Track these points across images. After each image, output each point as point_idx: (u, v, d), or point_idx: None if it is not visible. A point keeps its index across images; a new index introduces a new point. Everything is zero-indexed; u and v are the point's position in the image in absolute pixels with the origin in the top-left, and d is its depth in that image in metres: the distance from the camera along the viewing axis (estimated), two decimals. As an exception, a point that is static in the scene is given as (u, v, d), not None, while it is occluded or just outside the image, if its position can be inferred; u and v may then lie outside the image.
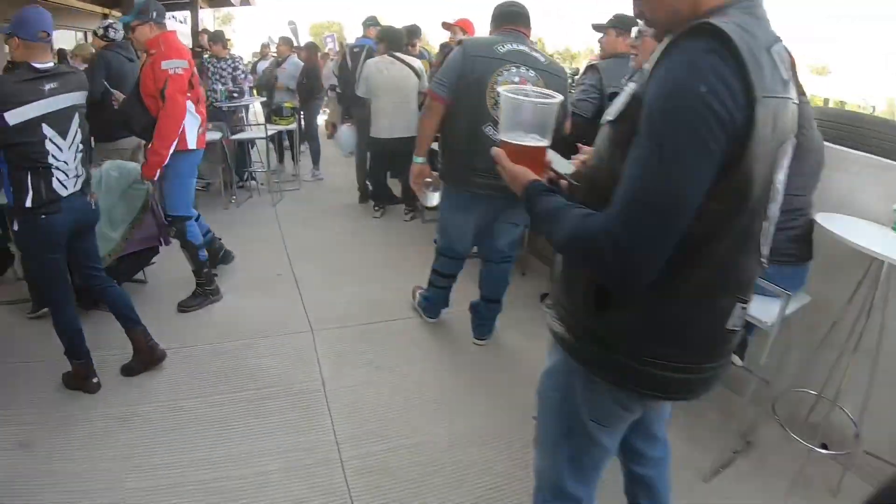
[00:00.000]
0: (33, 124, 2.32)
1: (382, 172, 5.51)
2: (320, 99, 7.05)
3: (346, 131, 5.86)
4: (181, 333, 3.26)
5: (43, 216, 2.42)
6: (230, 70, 6.20)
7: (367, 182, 5.77)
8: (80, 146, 2.57)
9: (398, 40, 5.05)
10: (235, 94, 6.10)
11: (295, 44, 7.88)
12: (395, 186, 5.69)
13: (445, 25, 5.01)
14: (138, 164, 3.51)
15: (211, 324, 3.41)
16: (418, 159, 2.98)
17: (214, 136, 5.32)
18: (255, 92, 7.17)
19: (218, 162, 5.64)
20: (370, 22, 5.66)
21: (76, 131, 2.53)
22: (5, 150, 2.34)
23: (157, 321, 3.15)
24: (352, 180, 6.75)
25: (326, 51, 9.10)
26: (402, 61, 4.96)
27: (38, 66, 2.36)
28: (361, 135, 5.69)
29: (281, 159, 7.24)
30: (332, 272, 4.20)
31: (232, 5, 13.59)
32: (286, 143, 7.06)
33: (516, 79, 2.66)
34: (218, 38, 6.31)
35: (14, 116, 2.26)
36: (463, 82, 2.70)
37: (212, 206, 5.75)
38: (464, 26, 4.96)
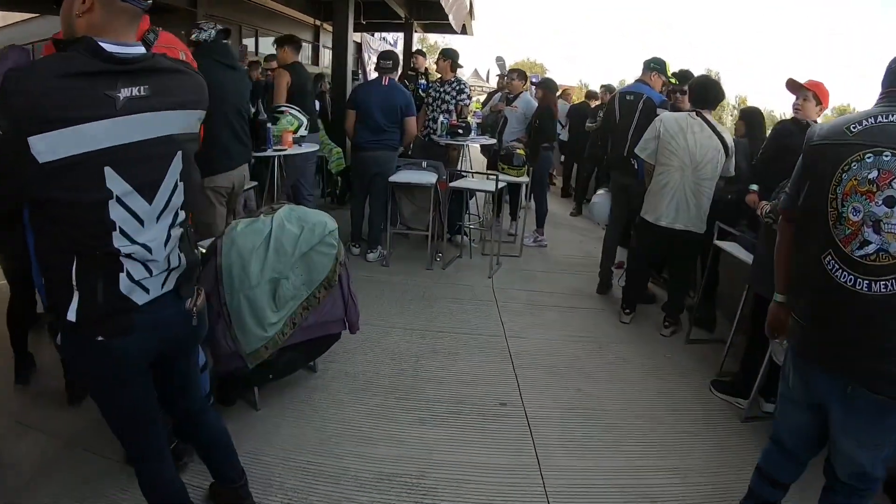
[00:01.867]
0: (88, 167, 1.22)
1: (644, 269, 4.07)
2: (552, 148, 5.78)
3: (603, 200, 4.55)
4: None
5: (101, 338, 1.33)
6: (454, 94, 5.24)
7: (614, 270, 4.37)
8: (180, 215, 1.45)
9: (712, 96, 3.61)
10: (461, 131, 5.06)
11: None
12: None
13: (792, 85, 3.28)
14: (326, 215, 2.61)
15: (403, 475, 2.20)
16: (778, 297, 1.94)
17: (429, 178, 4.37)
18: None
19: (426, 208, 4.61)
20: (655, 65, 4.26)
21: (174, 186, 1.41)
22: (31, 211, 1.30)
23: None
24: (583, 252, 5.46)
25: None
26: (713, 128, 3.52)
27: (111, 47, 1.23)
28: (618, 207, 4.32)
29: (497, 212, 6.08)
30: (578, 416, 2.83)
31: (451, 32, 13.09)
32: (506, 195, 5.90)
33: (873, 174, 1.49)
34: (450, 55, 5.34)
35: (49, 146, 1.14)
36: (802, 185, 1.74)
37: (412, 260, 4.75)
38: (818, 91, 3.21)
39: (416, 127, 4.77)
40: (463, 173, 5.01)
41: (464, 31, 12.59)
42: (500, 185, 4.64)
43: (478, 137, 5.48)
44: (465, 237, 5.22)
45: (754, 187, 3.61)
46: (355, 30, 10.63)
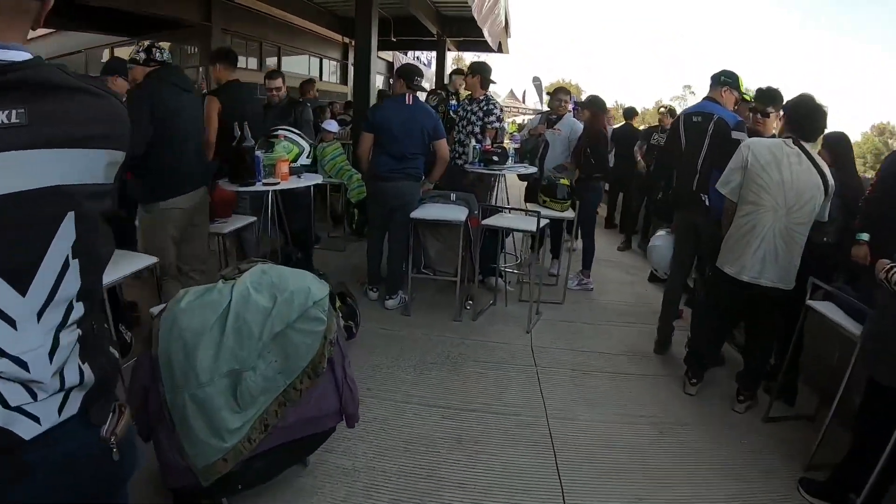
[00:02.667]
0: None
1: (715, 331, 3.31)
2: (604, 180, 5.03)
3: (665, 244, 3.82)
4: None
5: None
6: (480, 114, 4.62)
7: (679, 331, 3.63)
8: (76, 309, 0.90)
9: (817, 126, 2.88)
10: (496, 158, 4.39)
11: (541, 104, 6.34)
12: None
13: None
14: (310, 277, 2.03)
15: None
16: None
17: (458, 214, 3.76)
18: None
19: (455, 248, 3.95)
20: (727, 79, 3.51)
21: (63, 267, 0.86)
22: None
23: None
24: (634, 296, 4.72)
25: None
26: (813, 160, 2.79)
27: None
28: (683, 252, 3.59)
29: (537, 250, 5.36)
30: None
31: (486, 49, 12.54)
32: (548, 231, 5.17)
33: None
34: (480, 70, 4.70)
35: None
36: None
37: (438, 308, 4.08)
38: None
39: (447, 149, 4.14)
40: (498, 208, 4.32)
41: (499, 49, 12.01)
42: (542, 222, 3.95)
43: (516, 166, 4.77)
44: (499, 279, 4.51)
45: (864, 237, 2.87)
46: (386, 48, 10.20)
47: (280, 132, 3.19)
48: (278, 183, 3.00)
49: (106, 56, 8.90)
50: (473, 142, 4.54)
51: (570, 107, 5.35)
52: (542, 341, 3.78)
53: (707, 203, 3.37)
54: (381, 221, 4.10)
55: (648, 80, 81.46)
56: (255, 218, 3.49)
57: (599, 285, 5.00)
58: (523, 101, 25.81)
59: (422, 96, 4.66)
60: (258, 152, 2.86)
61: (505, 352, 3.57)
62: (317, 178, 3.48)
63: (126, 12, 7.09)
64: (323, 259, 5.40)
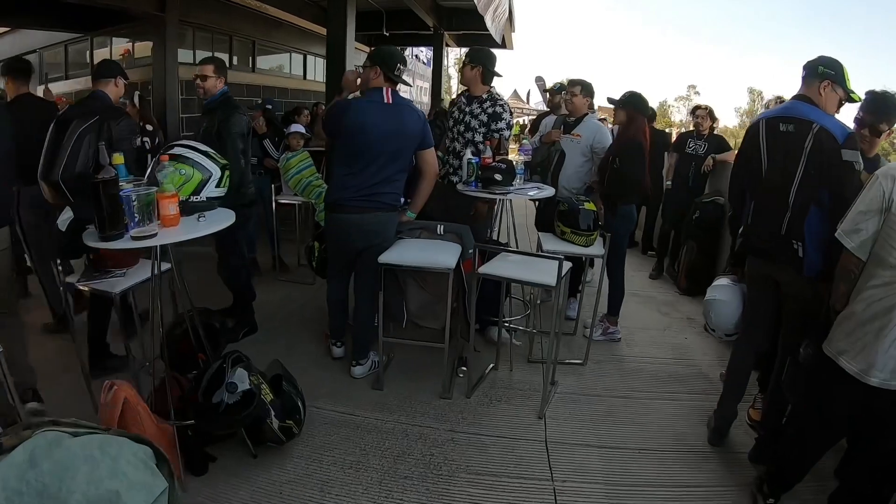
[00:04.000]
0: None
1: (818, 441, 2.26)
2: (632, 203, 3.88)
3: (731, 298, 2.79)
4: None
5: None
6: (484, 119, 3.57)
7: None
8: None
9: None
10: (499, 177, 3.33)
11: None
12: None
13: None
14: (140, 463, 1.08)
15: None
16: None
17: (447, 256, 2.77)
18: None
19: (443, 297, 2.91)
20: (827, 69, 2.43)
21: None
22: None
23: None
24: (672, 348, 3.89)
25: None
26: None
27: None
28: (759, 314, 2.58)
29: (555, 294, 4.27)
30: None
31: (490, 45, 11.47)
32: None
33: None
34: (481, 59, 3.60)
35: None
36: None
37: (420, 376, 3.07)
38: None
39: (436, 162, 3.09)
40: (501, 247, 3.24)
41: (503, 43, 10.96)
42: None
43: (526, 186, 3.62)
44: (502, 331, 3.46)
45: None
46: (379, 43, 9.20)
47: (176, 149, 2.13)
48: (154, 234, 1.84)
49: (62, 55, 7.93)
50: (469, 153, 3.49)
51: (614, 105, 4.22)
52: (561, 432, 2.74)
53: (801, 253, 2.34)
54: (343, 264, 3.07)
55: (650, 79, 79.72)
56: (169, 266, 2.46)
57: (627, 332, 3.96)
58: (527, 102, 24.71)
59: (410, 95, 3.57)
60: (129, 187, 1.80)
61: (510, 454, 2.54)
62: (226, 219, 2.23)
63: (76, 6, 6.14)
64: (285, 294, 4.38)
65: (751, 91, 54.41)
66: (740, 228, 2.63)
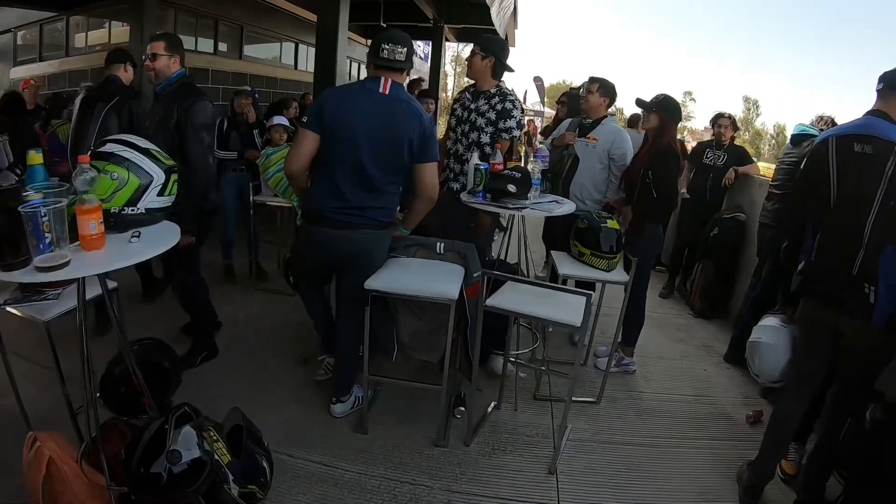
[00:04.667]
0: None
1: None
2: (659, 223, 3.33)
3: (779, 341, 2.40)
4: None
5: None
6: (493, 117, 3.14)
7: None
8: None
9: None
10: (512, 187, 2.87)
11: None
12: None
13: None
14: None
15: None
16: None
17: (447, 283, 2.36)
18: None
19: (440, 327, 2.46)
20: None
21: None
22: None
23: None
24: (691, 381, 3.53)
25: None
26: None
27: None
28: (812, 362, 2.18)
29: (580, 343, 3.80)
30: None
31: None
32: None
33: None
34: (491, 48, 3.14)
35: None
36: None
37: (411, 418, 2.64)
38: None
39: (437, 182, 2.53)
40: (512, 277, 2.73)
41: (505, 40, 10.52)
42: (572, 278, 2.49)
43: (544, 199, 3.08)
44: (506, 362, 3.02)
45: None
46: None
47: (109, 146, 1.67)
48: (66, 263, 1.34)
49: (36, 36, 7.38)
50: (475, 158, 3.06)
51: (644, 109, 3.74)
52: (576, 490, 2.32)
53: (872, 299, 1.93)
54: (321, 278, 2.63)
55: (646, 84, 79.26)
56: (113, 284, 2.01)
57: (642, 362, 3.55)
58: (524, 102, 24.29)
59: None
60: (38, 198, 1.33)
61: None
62: (168, 238, 1.71)
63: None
64: (261, 308, 3.93)
65: (746, 100, 54.43)
66: (799, 264, 2.22)
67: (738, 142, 4.99)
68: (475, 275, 2.45)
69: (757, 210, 4.42)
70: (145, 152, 1.74)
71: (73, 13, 6.63)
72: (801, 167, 2.31)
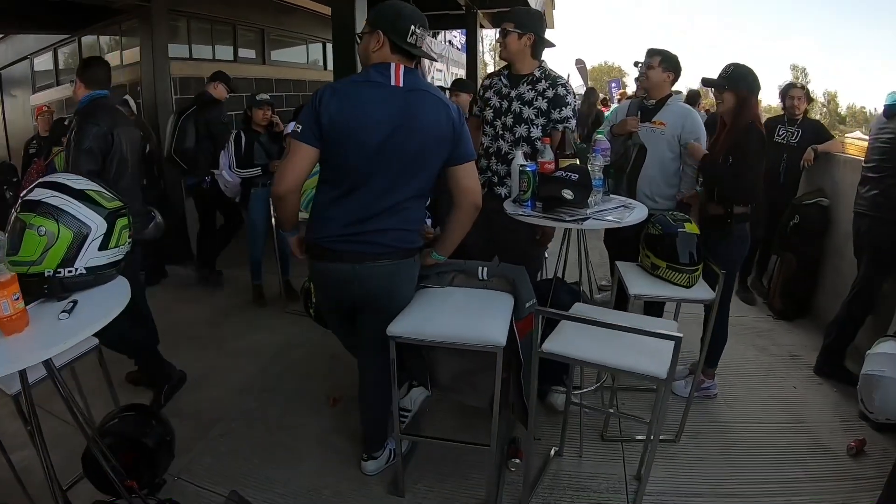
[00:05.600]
0: None
1: None
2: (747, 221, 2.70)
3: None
4: None
5: None
6: (541, 105, 2.66)
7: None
8: None
9: None
10: (568, 194, 2.32)
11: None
12: None
13: None
14: None
15: None
16: None
17: (489, 325, 1.99)
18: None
19: (485, 367, 2.00)
20: None
21: None
22: None
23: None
24: (785, 409, 2.96)
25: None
26: None
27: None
28: None
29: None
30: None
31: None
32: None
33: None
34: (528, 24, 2.63)
35: None
36: None
37: (458, 473, 2.24)
38: None
39: (479, 184, 2.05)
40: (574, 317, 2.28)
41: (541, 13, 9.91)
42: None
43: (609, 205, 2.44)
44: (568, 401, 2.54)
45: None
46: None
47: (36, 192, 1.27)
48: None
49: (51, 59, 7.26)
50: (519, 157, 2.58)
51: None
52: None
53: None
54: (343, 316, 2.17)
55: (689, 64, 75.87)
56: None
57: (722, 380, 3.01)
58: (567, 89, 23.45)
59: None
60: None
61: None
62: (112, 306, 1.30)
63: (58, 5, 5.47)
64: (289, 335, 3.57)
65: (794, 68, 51.69)
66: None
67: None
68: (528, 305, 1.99)
69: (841, 192, 3.82)
70: (80, 195, 1.34)
71: (84, 33, 6.44)
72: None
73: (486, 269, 2.11)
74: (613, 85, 7.94)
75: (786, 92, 4.26)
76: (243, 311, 4.03)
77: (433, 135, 1.85)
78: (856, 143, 4.25)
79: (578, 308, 2.07)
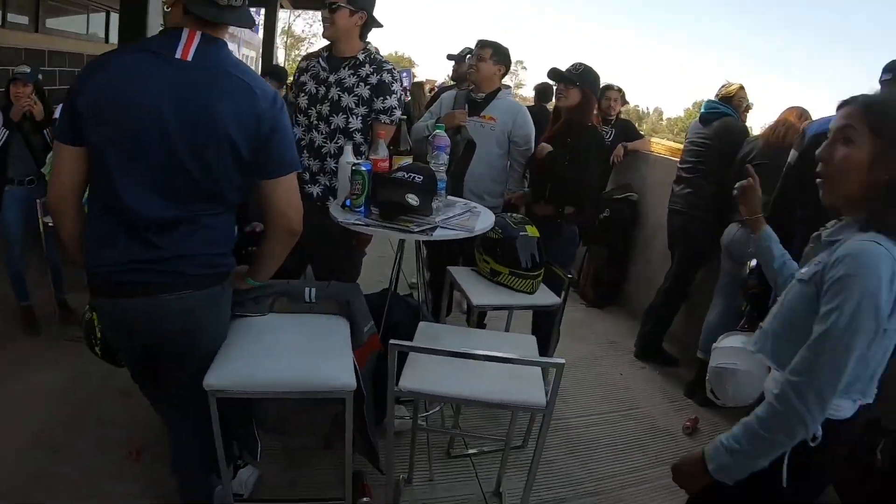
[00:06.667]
0: None
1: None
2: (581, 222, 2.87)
3: (752, 367, 1.91)
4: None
5: None
6: (364, 93, 2.38)
7: None
8: None
9: None
10: (414, 200, 1.97)
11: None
12: None
13: None
14: None
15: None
16: None
17: (334, 367, 1.68)
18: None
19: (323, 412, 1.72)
20: None
21: None
22: None
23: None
24: (622, 402, 3.17)
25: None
26: None
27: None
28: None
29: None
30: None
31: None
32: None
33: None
34: None
35: None
36: None
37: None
38: None
39: (299, 203, 1.58)
40: (423, 347, 2.07)
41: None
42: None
43: (454, 211, 2.11)
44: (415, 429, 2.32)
45: None
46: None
47: None
48: None
49: None
50: (349, 151, 2.24)
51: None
52: None
53: None
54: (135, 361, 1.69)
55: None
56: None
57: (568, 379, 3.08)
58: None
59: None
60: None
61: None
62: None
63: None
64: (74, 365, 2.83)
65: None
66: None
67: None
68: (366, 329, 1.73)
69: (649, 188, 4.16)
70: None
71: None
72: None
73: (313, 290, 1.79)
74: (405, 75, 7.82)
75: (602, 93, 4.51)
76: (14, 343, 3.14)
77: (223, 132, 1.36)
78: (662, 142, 4.68)
79: (426, 330, 1.84)
